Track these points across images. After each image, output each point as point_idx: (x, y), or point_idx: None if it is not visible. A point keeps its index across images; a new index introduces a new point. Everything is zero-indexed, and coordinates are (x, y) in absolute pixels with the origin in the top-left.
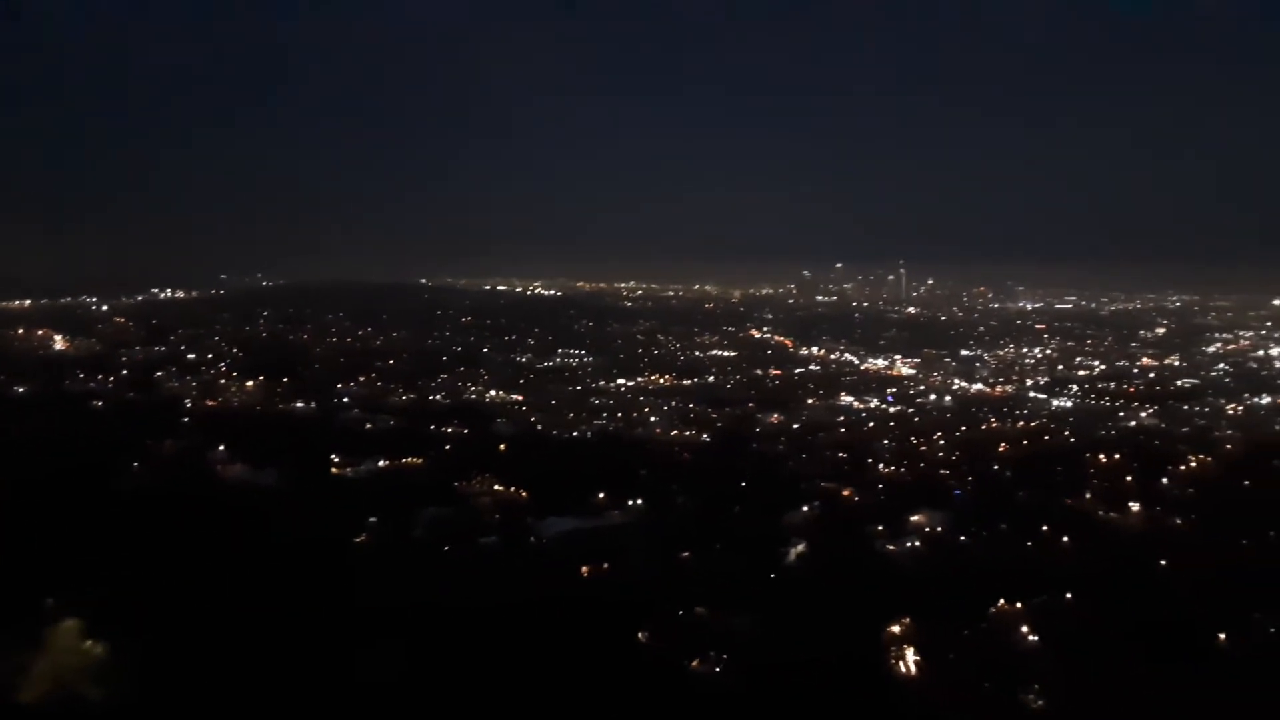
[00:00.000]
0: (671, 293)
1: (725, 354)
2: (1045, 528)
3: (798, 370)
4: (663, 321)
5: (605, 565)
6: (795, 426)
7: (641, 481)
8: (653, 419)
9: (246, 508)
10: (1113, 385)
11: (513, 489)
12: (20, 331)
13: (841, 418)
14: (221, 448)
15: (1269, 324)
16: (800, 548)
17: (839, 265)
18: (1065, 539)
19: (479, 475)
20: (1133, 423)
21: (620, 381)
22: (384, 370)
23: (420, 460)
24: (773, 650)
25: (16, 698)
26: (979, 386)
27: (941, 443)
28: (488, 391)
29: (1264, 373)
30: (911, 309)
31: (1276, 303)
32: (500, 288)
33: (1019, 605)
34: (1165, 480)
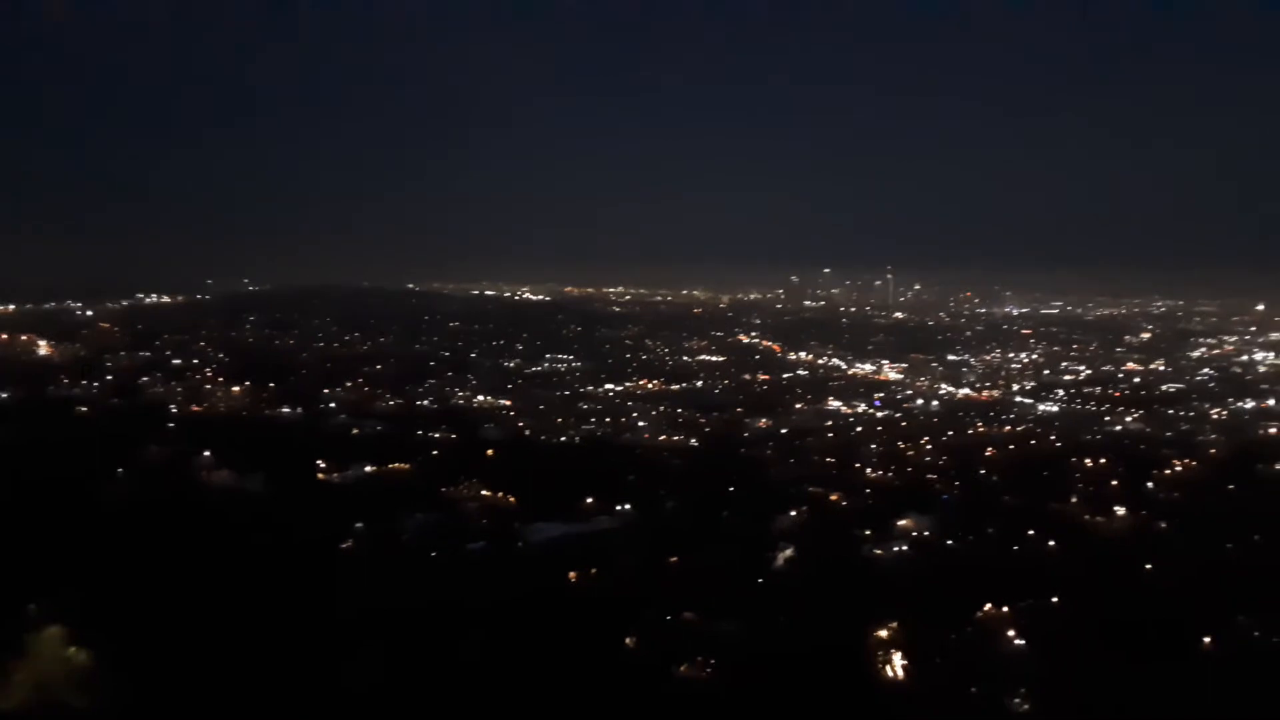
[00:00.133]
0: (660, 298)
1: (713, 359)
2: (1031, 532)
3: (785, 375)
4: (651, 326)
5: (593, 570)
6: (783, 431)
7: (629, 486)
8: (641, 424)
9: (232, 514)
10: (1098, 390)
11: (500, 494)
12: (4, 337)
13: (829, 422)
14: (207, 453)
15: (1253, 329)
16: (788, 552)
17: (827, 270)
18: (1051, 543)
19: (466, 481)
20: (1118, 427)
21: (608, 386)
22: (371, 375)
23: (407, 466)
24: (760, 655)
25: None
26: (965, 391)
27: (928, 447)
28: (475, 396)
29: (1247, 377)
30: (899, 314)
31: (1260, 307)
32: (488, 293)
33: (1005, 609)
34: (1150, 484)
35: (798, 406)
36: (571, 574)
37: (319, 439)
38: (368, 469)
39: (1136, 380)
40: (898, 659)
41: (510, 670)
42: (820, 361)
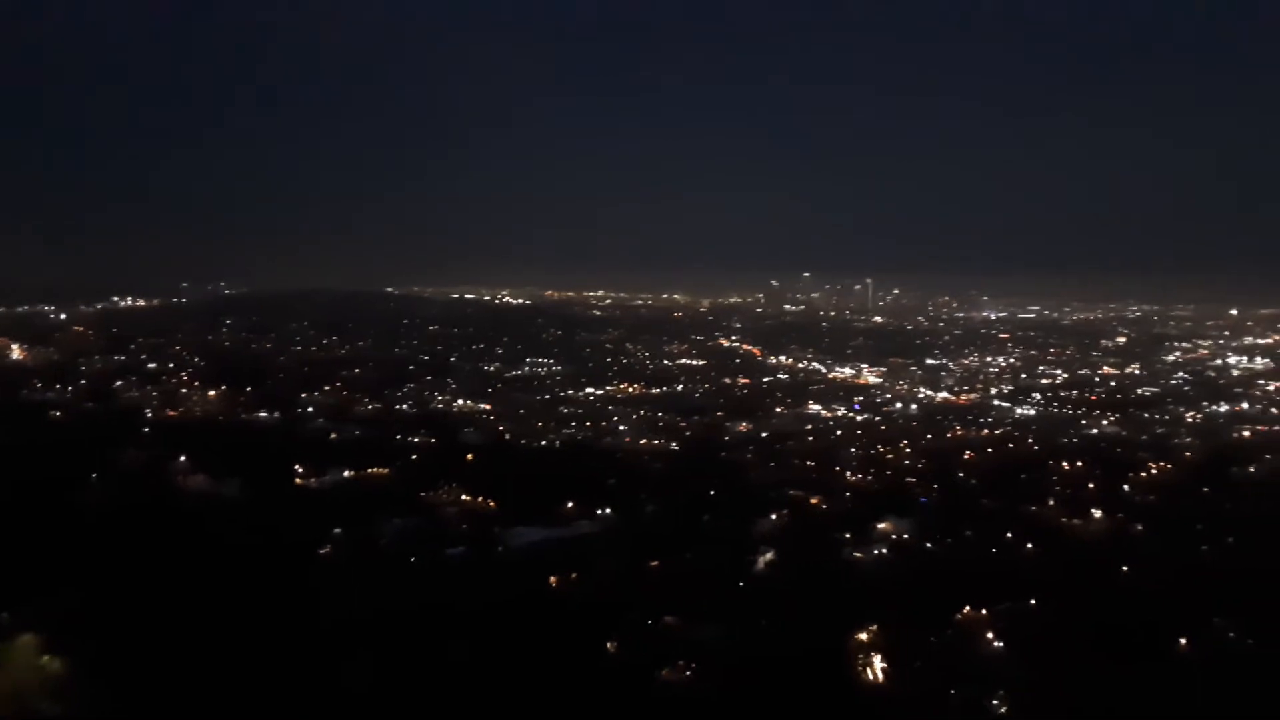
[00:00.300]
0: (640, 301)
1: (694, 363)
2: (1009, 534)
3: (766, 379)
4: (631, 330)
5: (574, 575)
6: (763, 435)
7: (610, 490)
8: (621, 428)
9: (208, 519)
10: (1075, 393)
11: (480, 499)
12: None
13: (809, 426)
14: (183, 458)
15: (1227, 333)
16: (769, 556)
17: (806, 275)
18: (1029, 545)
19: (446, 485)
20: (1094, 430)
21: (589, 390)
22: (349, 379)
23: (386, 470)
24: (742, 658)
25: None
26: (944, 395)
27: (907, 451)
28: (455, 401)
29: (1221, 381)
30: (878, 318)
31: (1234, 312)
32: (468, 296)
33: (984, 611)
34: (1126, 487)
35: (778, 410)
36: (552, 579)
37: (296, 444)
38: (346, 474)
39: (1112, 384)
40: (878, 661)
41: (491, 676)
42: (800, 365)
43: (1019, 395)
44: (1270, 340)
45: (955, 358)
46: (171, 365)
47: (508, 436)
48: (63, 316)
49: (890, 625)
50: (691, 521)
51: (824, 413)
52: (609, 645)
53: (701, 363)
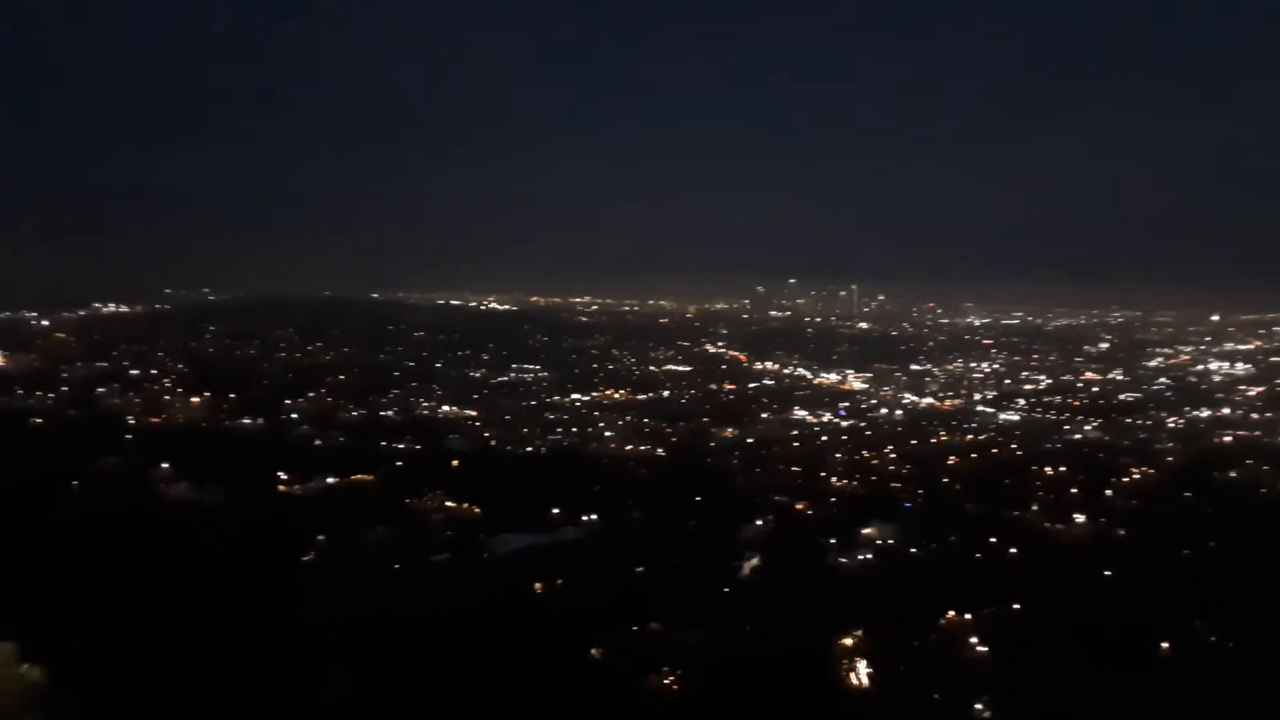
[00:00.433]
0: (627, 308)
1: (680, 369)
2: (993, 539)
3: (752, 385)
4: (618, 336)
5: (559, 581)
6: (749, 441)
7: (596, 497)
8: (608, 434)
9: (191, 527)
10: (1058, 399)
11: (465, 505)
12: None
13: (795, 432)
14: (165, 466)
15: (1208, 339)
16: (754, 561)
17: (792, 281)
18: (1012, 550)
19: (431, 492)
20: (1077, 436)
21: (575, 397)
22: (334, 386)
23: (371, 477)
24: (727, 664)
25: None
26: (929, 400)
27: (892, 456)
28: (440, 407)
29: (1203, 386)
30: (863, 324)
31: (1215, 318)
32: (453, 302)
33: (968, 616)
34: (1109, 492)
35: (764, 416)
36: (537, 585)
37: (280, 450)
38: (330, 481)
39: (1095, 389)
40: (862, 666)
41: (476, 683)
42: (786, 371)
43: (1003, 401)
44: (1251, 346)
45: (940, 363)
46: (154, 372)
47: (493, 443)
48: (45, 323)
49: (875, 630)
50: (677, 527)
51: (809, 418)
52: (594, 651)
53: (688, 369)
